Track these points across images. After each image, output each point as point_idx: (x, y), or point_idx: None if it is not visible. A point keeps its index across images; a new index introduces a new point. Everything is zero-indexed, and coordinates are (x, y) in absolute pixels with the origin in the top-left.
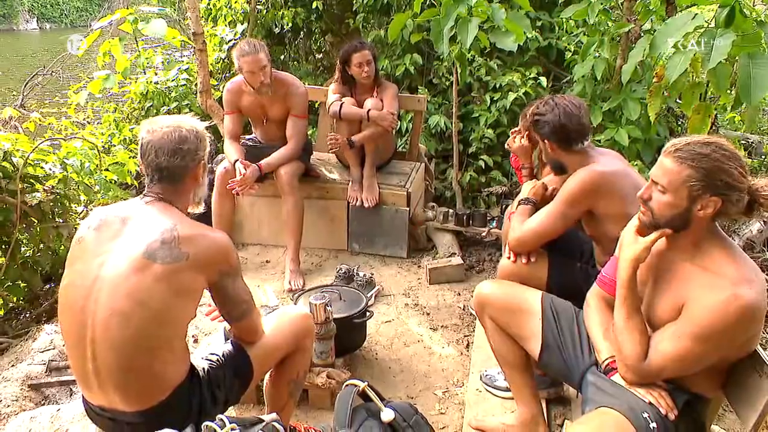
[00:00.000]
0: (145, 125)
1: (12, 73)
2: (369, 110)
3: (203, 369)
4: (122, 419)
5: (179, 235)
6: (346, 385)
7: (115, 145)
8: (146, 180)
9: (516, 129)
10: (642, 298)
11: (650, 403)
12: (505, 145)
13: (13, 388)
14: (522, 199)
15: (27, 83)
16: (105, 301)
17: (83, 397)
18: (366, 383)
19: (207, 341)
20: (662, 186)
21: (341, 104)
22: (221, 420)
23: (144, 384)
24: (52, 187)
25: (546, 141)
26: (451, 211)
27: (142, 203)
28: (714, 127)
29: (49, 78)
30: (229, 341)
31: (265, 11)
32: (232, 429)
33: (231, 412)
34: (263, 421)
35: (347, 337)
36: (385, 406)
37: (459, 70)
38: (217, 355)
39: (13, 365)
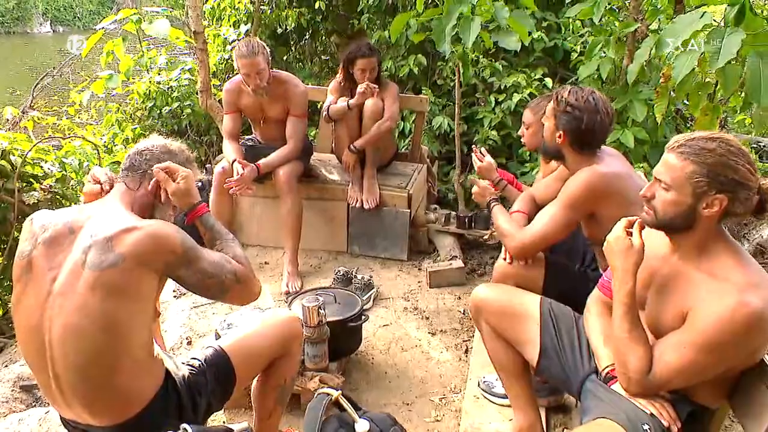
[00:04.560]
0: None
1: (26, 74)
2: (348, 100)
3: (183, 376)
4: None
5: (112, 235)
6: (318, 394)
7: (116, 145)
8: None
9: (477, 148)
10: (645, 303)
11: (652, 414)
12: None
13: (3, 390)
14: (488, 203)
15: (36, 85)
16: (58, 318)
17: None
18: (340, 392)
19: (202, 343)
20: (666, 183)
21: (329, 107)
22: (184, 429)
23: (110, 400)
24: (50, 186)
25: (562, 131)
26: (453, 213)
27: (100, 203)
28: (724, 130)
29: (59, 79)
30: (210, 347)
31: (269, 11)
32: None
33: (222, 416)
34: (232, 431)
35: (342, 340)
36: (361, 417)
37: (461, 71)
38: (198, 360)
39: (6, 365)
